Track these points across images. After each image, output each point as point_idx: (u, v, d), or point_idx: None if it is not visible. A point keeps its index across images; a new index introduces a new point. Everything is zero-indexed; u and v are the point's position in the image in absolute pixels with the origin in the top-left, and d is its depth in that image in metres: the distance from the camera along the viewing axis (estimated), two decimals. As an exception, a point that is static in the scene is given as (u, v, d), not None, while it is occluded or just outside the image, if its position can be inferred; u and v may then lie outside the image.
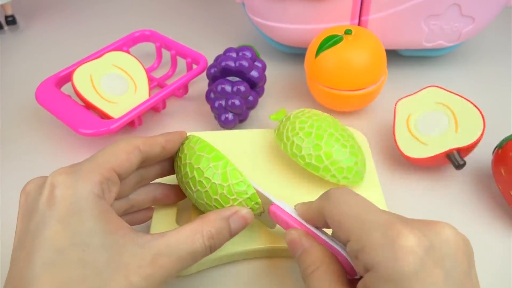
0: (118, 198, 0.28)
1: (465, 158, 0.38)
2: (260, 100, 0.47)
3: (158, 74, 0.50)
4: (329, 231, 0.28)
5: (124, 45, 0.47)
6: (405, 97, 0.40)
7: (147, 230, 0.33)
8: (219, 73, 0.41)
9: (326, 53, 0.40)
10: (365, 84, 0.40)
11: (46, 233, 0.22)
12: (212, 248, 0.26)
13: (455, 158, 0.35)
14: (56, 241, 0.22)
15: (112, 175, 0.26)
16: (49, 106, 0.40)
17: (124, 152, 0.27)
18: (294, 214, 0.28)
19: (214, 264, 0.32)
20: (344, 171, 0.33)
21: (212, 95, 0.41)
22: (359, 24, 0.45)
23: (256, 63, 0.42)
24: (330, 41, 0.40)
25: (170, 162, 0.32)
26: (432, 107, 0.38)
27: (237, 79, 0.41)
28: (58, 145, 0.41)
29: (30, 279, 0.22)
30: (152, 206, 0.33)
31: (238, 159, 0.37)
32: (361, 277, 0.23)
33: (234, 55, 0.41)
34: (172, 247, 0.24)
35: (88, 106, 0.41)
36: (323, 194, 0.27)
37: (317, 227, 0.28)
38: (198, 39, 0.55)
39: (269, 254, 0.32)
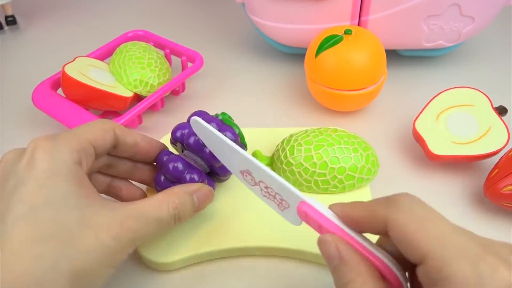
0: (89, 173, 0.29)
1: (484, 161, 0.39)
2: (262, 100, 0.47)
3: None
4: (372, 237, 0.24)
5: (116, 46, 0.47)
6: (445, 90, 0.40)
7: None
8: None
9: (326, 53, 0.40)
10: (365, 84, 0.40)
11: (22, 191, 0.24)
12: (177, 218, 0.27)
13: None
14: (31, 198, 0.23)
15: (89, 146, 0.27)
16: (46, 108, 0.40)
17: (101, 129, 0.28)
18: (330, 216, 0.25)
19: (213, 257, 0.32)
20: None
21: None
22: (359, 24, 0.45)
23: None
24: (330, 41, 0.40)
25: (144, 168, 0.32)
26: (466, 109, 0.39)
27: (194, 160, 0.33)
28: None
29: (2, 232, 0.22)
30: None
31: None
32: None
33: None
34: (140, 212, 0.26)
35: (87, 99, 0.41)
36: (386, 200, 0.23)
37: (359, 233, 0.24)
38: (199, 40, 0.55)
39: (267, 253, 0.32)
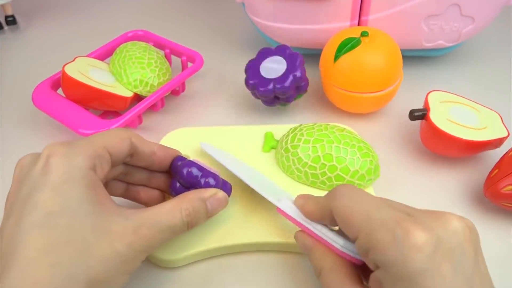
0: (104, 180, 0.29)
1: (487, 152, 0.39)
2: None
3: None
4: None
5: (116, 46, 0.47)
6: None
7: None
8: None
9: (346, 57, 0.40)
10: (384, 86, 0.41)
11: (37, 198, 0.24)
12: (190, 225, 0.28)
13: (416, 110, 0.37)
14: (47, 205, 0.23)
15: (105, 153, 0.27)
16: (46, 108, 0.40)
17: (117, 136, 0.28)
18: (296, 215, 0.29)
19: (215, 254, 0.32)
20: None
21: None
22: (359, 24, 0.45)
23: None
24: (348, 45, 0.40)
25: (159, 177, 0.32)
26: (465, 106, 0.39)
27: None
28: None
29: (18, 240, 0.23)
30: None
31: (237, 155, 0.37)
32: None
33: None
34: (154, 220, 0.26)
35: (87, 99, 0.41)
36: (329, 192, 0.27)
37: (324, 225, 0.28)
38: (199, 40, 0.55)
39: (274, 248, 0.33)
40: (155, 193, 0.32)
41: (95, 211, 0.24)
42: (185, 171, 0.30)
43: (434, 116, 0.37)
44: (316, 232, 0.28)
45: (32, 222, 0.23)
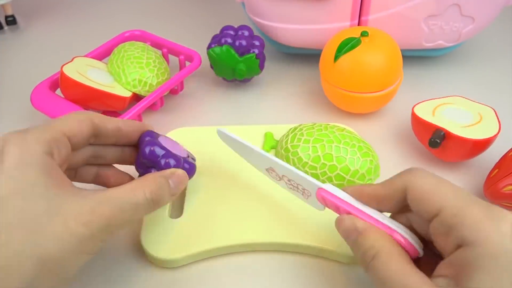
0: (69, 167, 0.29)
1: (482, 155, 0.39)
2: (262, 99, 0.47)
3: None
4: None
5: (114, 46, 0.47)
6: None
7: (138, 224, 0.33)
8: None
9: (346, 57, 0.40)
10: (384, 86, 0.41)
11: None
12: (154, 202, 0.27)
13: (437, 135, 0.36)
14: (0, 190, 0.23)
15: (62, 137, 0.27)
16: (44, 108, 0.40)
17: (76, 119, 0.28)
18: (345, 197, 0.28)
19: (215, 254, 0.32)
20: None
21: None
22: (359, 24, 0.45)
23: (254, 41, 0.44)
24: (348, 45, 0.40)
25: (131, 150, 0.32)
26: (455, 105, 0.39)
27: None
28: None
29: None
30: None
31: (232, 156, 0.37)
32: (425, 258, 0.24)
33: (232, 33, 0.44)
34: (114, 198, 0.26)
35: (86, 99, 0.41)
36: (402, 172, 0.27)
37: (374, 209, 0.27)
38: (197, 40, 0.55)
39: (274, 249, 0.33)
40: (125, 179, 0.32)
41: (49, 194, 0.24)
42: (147, 150, 0.30)
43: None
44: (374, 215, 0.26)
45: None
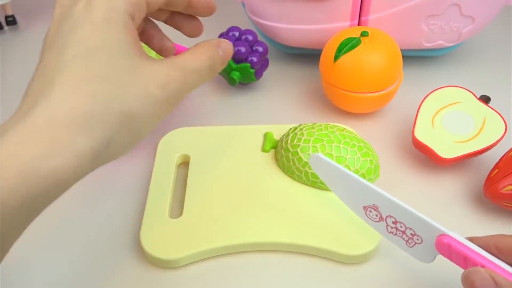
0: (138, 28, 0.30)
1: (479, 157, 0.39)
2: (262, 99, 0.47)
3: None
4: None
5: None
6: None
7: (138, 224, 0.33)
8: None
9: (346, 57, 0.40)
10: (384, 86, 0.40)
11: (79, 33, 0.24)
12: (211, 68, 0.28)
13: None
14: (88, 41, 0.24)
15: (143, 1, 0.27)
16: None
17: None
18: (477, 248, 0.24)
19: (215, 254, 0.32)
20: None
21: None
22: (359, 24, 0.45)
23: (257, 47, 0.44)
24: (348, 45, 0.40)
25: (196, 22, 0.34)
26: (456, 107, 0.39)
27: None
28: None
29: (59, 68, 0.23)
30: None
31: (236, 155, 0.37)
32: None
33: (237, 34, 0.45)
34: (183, 64, 0.27)
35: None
36: None
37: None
38: (198, 40, 0.55)
39: (274, 248, 0.33)
40: (168, 43, 0.33)
41: (131, 53, 0.25)
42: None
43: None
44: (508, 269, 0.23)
45: (74, 54, 0.24)
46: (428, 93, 0.40)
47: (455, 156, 0.36)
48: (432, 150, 0.36)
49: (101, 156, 0.23)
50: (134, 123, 0.24)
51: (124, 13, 0.25)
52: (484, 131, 0.37)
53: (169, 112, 0.27)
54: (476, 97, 0.39)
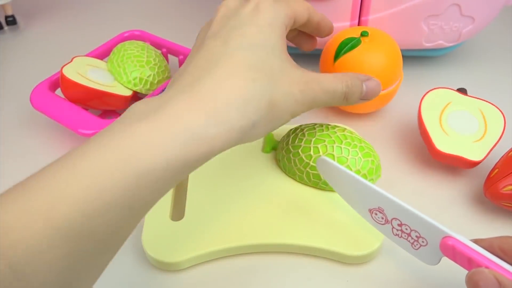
0: None
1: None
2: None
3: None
4: None
5: (113, 46, 0.47)
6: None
7: (139, 227, 0.33)
8: None
9: (346, 57, 0.40)
10: (384, 86, 0.40)
11: (245, 29, 0.28)
12: (346, 96, 0.30)
13: None
14: (252, 38, 0.27)
15: (293, 16, 0.31)
16: (44, 109, 0.40)
17: (303, 6, 0.32)
18: (481, 250, 0.25)
19: (219, 256, 0.32)
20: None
21: None
22: (359, 24, 0.45)
23: None
24: (348, 45, 0.40)
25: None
26: (454, 107, 0.39)
27: None
28: (59, 148, 0.41)
29: (225, 54, 0.26)
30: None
31: (237, 156, 0.37)
32: None
33: None
34: (320, 81, 0.29)
35: (87, 99, 0.41)
36: None
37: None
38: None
39: (277, 250, 0.33)
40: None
41: (283, 57, 0.28)
42: None
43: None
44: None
45: (239, 45, 0.27)
46: (420, 100, 0.39)
47: (484, 155, 0.35)
48: (463, 157, 0.35)
49: (246, 134, 0.26)
50: (276, 113, 0.27)
51: (283, 23, 0.29)
52: (489, 123, 0.37)
53: (301, 113, 0.29)
54: (460, 92, 0.40)
